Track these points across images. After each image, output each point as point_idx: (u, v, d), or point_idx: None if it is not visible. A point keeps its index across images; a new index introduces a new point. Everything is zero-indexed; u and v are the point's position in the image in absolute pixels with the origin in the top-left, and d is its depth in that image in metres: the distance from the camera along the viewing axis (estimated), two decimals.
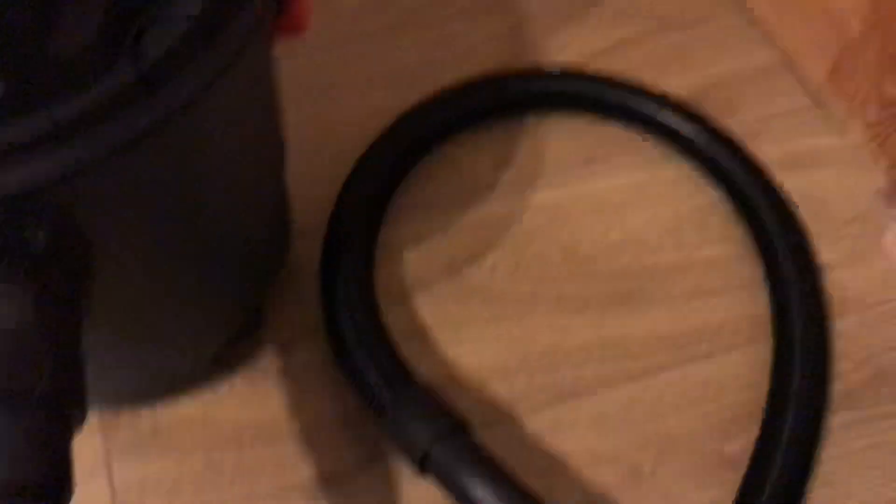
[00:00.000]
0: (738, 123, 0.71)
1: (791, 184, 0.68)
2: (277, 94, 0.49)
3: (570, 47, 0.75)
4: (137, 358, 0.51)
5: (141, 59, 0.33)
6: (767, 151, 0.69)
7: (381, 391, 0.52)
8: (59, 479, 0.31)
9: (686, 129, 0.68)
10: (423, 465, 0.50)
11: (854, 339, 0.61)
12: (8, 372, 0.32)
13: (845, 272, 0.64)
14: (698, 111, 0.70)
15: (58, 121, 0.32)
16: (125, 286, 0.41)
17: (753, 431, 0.56)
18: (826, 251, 0.65)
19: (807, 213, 0.67)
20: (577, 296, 0.63)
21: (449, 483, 0.48)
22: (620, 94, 0.69)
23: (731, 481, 0.54)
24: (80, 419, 0.33)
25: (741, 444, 0.56)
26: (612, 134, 0.70)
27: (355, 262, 0.58)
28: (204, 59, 0.35)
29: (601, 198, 0.67)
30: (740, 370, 0.59)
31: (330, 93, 0.72)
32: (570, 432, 0.57)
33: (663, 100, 0.69)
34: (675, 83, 0.73)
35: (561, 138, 0.70)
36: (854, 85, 0.69)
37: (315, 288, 0.59)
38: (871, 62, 0.66)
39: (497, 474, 0.48)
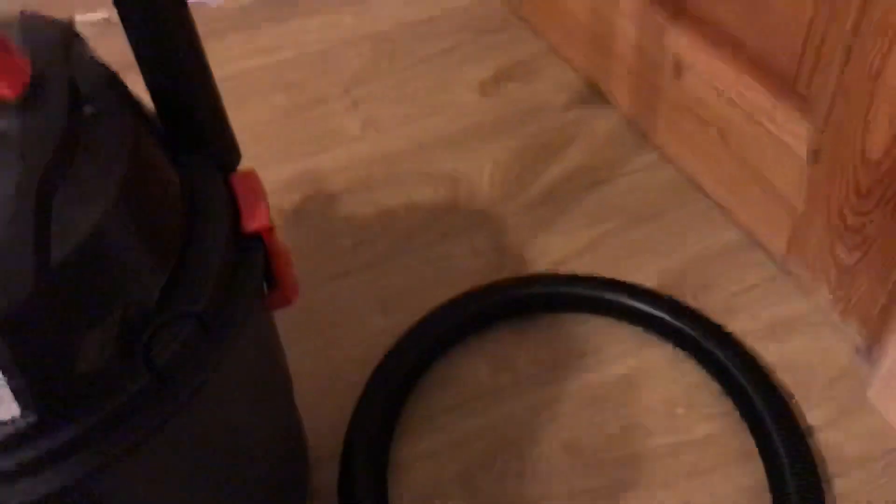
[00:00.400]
0: (714, 301, 0.76)
1: (771, 352, 0.73)
2: (278, 349, 0.56)
3: (549, 252, 0.82)
4: None
5: (153, 363, 0.39)
6: (744, 324, 0.74)
7: None
8: None
9: (666, 315, 0.73)
10: None
11: (851, 497, 0.63)
12: None
13: (835, 432, 0.68)
14: (673, 296, 0.75)
15: (83, 431, 0.38)
16: None
17: None
18: (814, 413, 0.69)
19: (790, 380, 0.71)
20: (584, 490, 0.66)
21: None
22: (599, 290, 0.75)
23: None
24: None
25: None
26: (598, 327, 0.76)
27: (369, 488, 0.62)
28: (209, 351, 0.41)
29: (595, 391, 0.72)
30: None
31: (333, 324, 0.78)
32: None
33: (639, 290, 0.75)
34: (651, 270, 0.79)
35: (551, 337, 0.76)
36: (811, 254, 0.75)
37: None
38: (820, 233, 0.72)
39: None
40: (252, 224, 0.46)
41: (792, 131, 0.72)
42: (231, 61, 1.05)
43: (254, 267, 0.45)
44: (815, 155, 0.70)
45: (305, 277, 0.82)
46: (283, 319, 0.73)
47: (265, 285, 0.49)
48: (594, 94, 0.97)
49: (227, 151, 0.49)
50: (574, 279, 0.77)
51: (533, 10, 1.04)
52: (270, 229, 0.47)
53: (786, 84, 0.71)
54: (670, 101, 0.86)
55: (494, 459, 0.68)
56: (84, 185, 0.38)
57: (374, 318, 0.78)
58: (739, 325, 0.74)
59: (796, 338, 0.74)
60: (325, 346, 0.76)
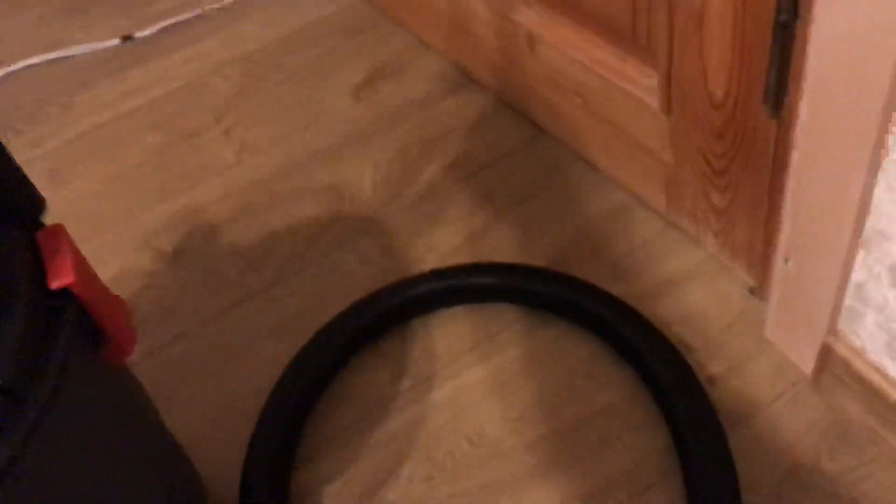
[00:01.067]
0: (604, 266, 0.75)
1: (667, 308, 0.72)
2: (137, 396, 0.54)
3: (437, 246, 0.81)
4: None
5: None
6: (637, 284, 0.74)
7: None
8: None
9: (548, 290, 0.72)
10: None
11: (758, 439, 0.63)
12: None
13: (737, 378, 0.67)
14: (559, 270, 0.74)
15: None
16: None
17: None
18: (716, 362, 0.68)
19: (688, 331, 0.70)
20: (493, 481, 0.65)
21: None
22: (484, 277, 0.74)
23: None
24: None
25: None
26: (490, 314, 0.74)
27: None
28: (18, 423, 0.39)
29: (493, 378, 0.71)
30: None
31: (226, 358, 0.76)
32: None
33: (524, 270, 0.74)
34: (540, 246, 0.78)
35: (445, 332, 0.74)
36: (689, 204, 0.74)
37: None
38: (692, 182, 0.72)
39: None
40: (57, 281, 0.44)
41: (643, 85, 0.71)
42: (101, 109, 1.03)
43: (65, 326, 0.43)
44: (667, 105, 0.69)
45: (192, 315, 0.80)
46: (171, 363, 0.71)
47: (94, 340, 0.47)
48: (464, 80, 0.96)
49: (28, 206, 0.47)
50: (454, 272, 0.76)
51: (395, 5, 1.03)
52: (84, 282, 0.45)
53: (626, 40, 0.71)
54: (532, 75, 0.85)
55: (401, 467, 0.67)
56: None
57: (267, 345, 0.76)
58: (631, 286, 0.74)
59: (690, 289, 0.74)
60: (220, 382, 0.74)
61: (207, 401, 0.72)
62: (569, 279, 0.73)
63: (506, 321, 0.74)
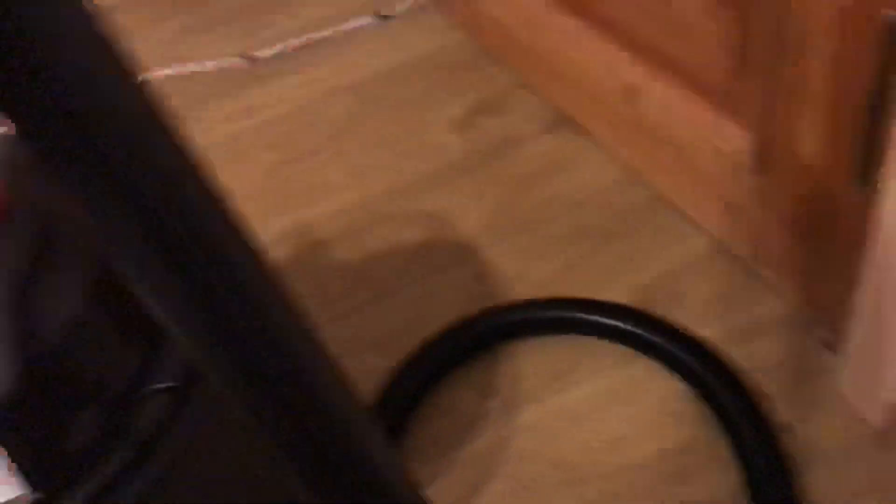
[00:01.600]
0: (686, 310, 0.80)
1: (744, 355, 0.76)
2: None
3: (527, 277, 0.87)
4: None
5: (135, 435, 0.44)
6: (717, 329, 0.78)
7: None
8: None
9: (638, 329, 0.77)
10: None
11: (825, 489, 0.67)
12: None
13: (809, 428, 0.71)
14: (645, 310, 0.79)
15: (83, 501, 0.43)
16: None
17: None
18: (789, 410, 0.72)
19: (765, 378, 0.74)
20: None
21: None
22: (572, 311, 0.80)
23: None
24: None
25: None
26: (576, 345, 0.80)
27: None
28: (186, 419, 0.46)
29: (576, 408, 0.76)
30: None
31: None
32: None
33: (611, 307, 0.79)
34: (623, 286, 0.83)
35: (533, 359, 0.80)
36: (775, 256, 0.78)
37: None
38: (780, 236, 0.76)
39: None
40: None
41: (735, 145, 0.75)
42: (220, 125, 1.11)
43: None
44: (758, 166, 0.73)
45: None
46: None
47: None
48: (562, 121, 1.01)
49: None
50: (545, 303, 0.81)
51: (500, 46, 1.09)
52: None
53: (723, 101, 0.75)
54: (629, 122, 0.90)
55: (489, 482, 0.72)
56: (58, 291, 0.43)
57: (367, 357, 0.82)
58: (712, 332, 0.78)
59: (768, 338, 0.78)
60: None
61: None
62: (654, 320, 0.78)
63: (593, 354, 0.79)
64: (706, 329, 0.78)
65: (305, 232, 0.96)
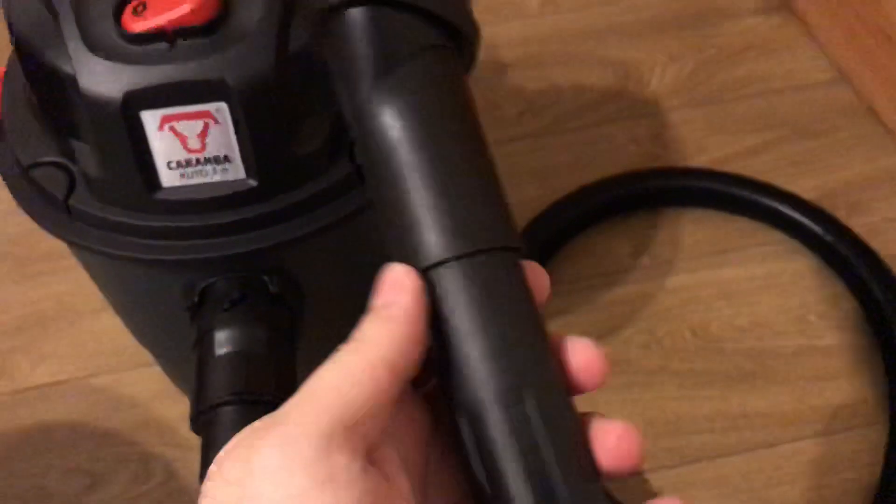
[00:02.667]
0: (865, 223, 0.76)
1: None
2: None
3: (707, 151, 0.84)
4: None
5: (355, 158, 0.45)
6: (893, 250, 0.74)
7: None
8: None
9: (814, 226, 0.74)
10: None
11: None
12: (247, 381, 0.43)
13: None
14: (826, 210, 0.76)
15: (293, 203, 0.44)
16: (325, 326, 0.52)
17: None
18: None
19: None
20: (704, 371, 0.69)
21: None
22: (753, 193, 0.77)
23: None
24: None
25: None
26: (745, 228, 0.77)
27: None
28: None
29: (731, 285, 0.74)
30: (855, 450, 0.64)
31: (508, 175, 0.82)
32: (689, 492, 0.63)
33: (794, 199, 0.76)
34: (806, 185, 0.80)
35: (695, 230, 0.78)
36: None
37: None
38: None
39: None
40: None
41: None
42: None
43: None
44: None
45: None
46: None
47: None
48: (784, 5, 0.95)
49: None
50: (729, 178, 0.78)
51: None
52: None
53: None
54: (861, 17, 0.84)
55: (622, 328, 0.72)
56: None
57: (527, 187, 0.82)
58: (888, 249, 0.74)
59: None
60: None
61: None
62: (833, 220, 0.75)
63: (759, 240, 0.76)
64: (884, 246, 0.75)
65: (490, 50, 0.94)
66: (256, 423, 0.27)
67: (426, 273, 0.29)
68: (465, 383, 0.28)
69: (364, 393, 0.26)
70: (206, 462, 0.41)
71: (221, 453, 0.26)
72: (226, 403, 0.42)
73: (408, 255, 0.29)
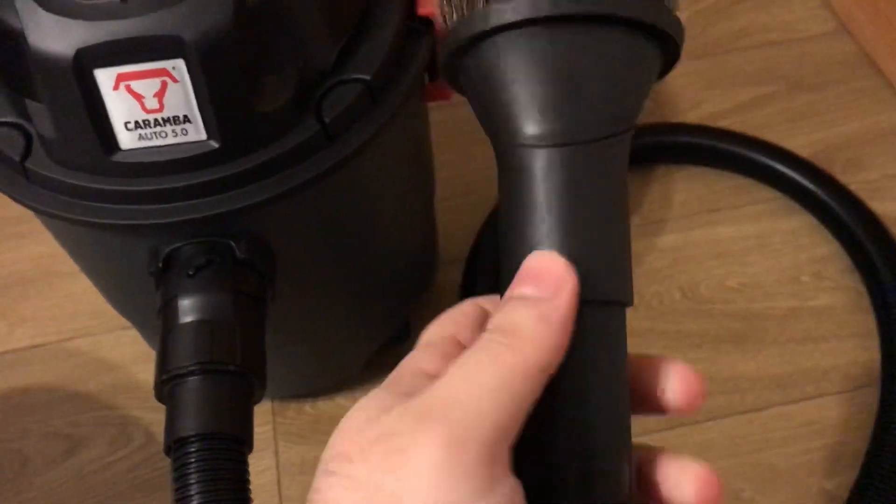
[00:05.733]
0: (862, 181, 0.74)
1: None
2: (429, 143, 0.59)
3: (702, 106, 0.81)
4: (304, 359, 0.61)
5: (323, 117, 0.43)
6: (890, 209, 0.72)
7: None
8: (244, 432, 0.40)
9: (808, 183, 0.72)
10: None
11: None
12: (211, 351, 0.41)
13: None
14: (821, 167, 0.74)
15: (257, 164, 0.42)
16: (297, 294, 0.51)
17: (854, 472, 0.59)
18: None
19: None
20: (692, 333, 0.68)
21: None
22: (745, 148, 0.75)
23: None
24: (261, 389, 0.43)
25: (841, 483, 0.60)
26: (738, 186, 0.75)
27: (490, 289, 0.66)
28: (371, 117, 0.44)
29: (723, 245, 0.72)
30: (846, 413, 0.63)
31: (481, 141, 0.80)
32: None
33: (787, 154, 0.74)
34: (802, 140, 0.77)
35: (687, 187, 0.76)
36: None
37: None
38: None
39: None
40: (425, 8, 0.48)
41: None
42: None
43: (422, 48, 0.47)
44: None
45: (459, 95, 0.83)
46: (432, 127, 0.75)
47: (428, 75, 0.51)
48: None
49: None
50: (721, 134, 0.76)
51: None
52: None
53: None
54: None
55: None
56: None
57: None
58: (885, 207, 0.72)
59: None
60: (465, 160, 0.78)
61: (448, 175, 0.77)
62: (828, 178, 0.73)
63: (752, 198, 0.74)
64: (879, 203, 0.73)
65: None
66: (409, 413, 0.25)
67: None
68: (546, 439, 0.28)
69: (520, 402, 0.25)
70: (170, 432, 0.40)
71: (354, 435, 0.25)
72: (190, 373, 0.41)
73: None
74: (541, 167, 0.29)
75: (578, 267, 0.28)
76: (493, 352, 0.26)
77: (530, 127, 0.29)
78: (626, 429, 0.29)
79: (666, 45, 0.31)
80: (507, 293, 0.28)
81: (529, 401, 0.26)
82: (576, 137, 0.29)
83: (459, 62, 0.32)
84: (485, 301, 0.32)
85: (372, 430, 0.25)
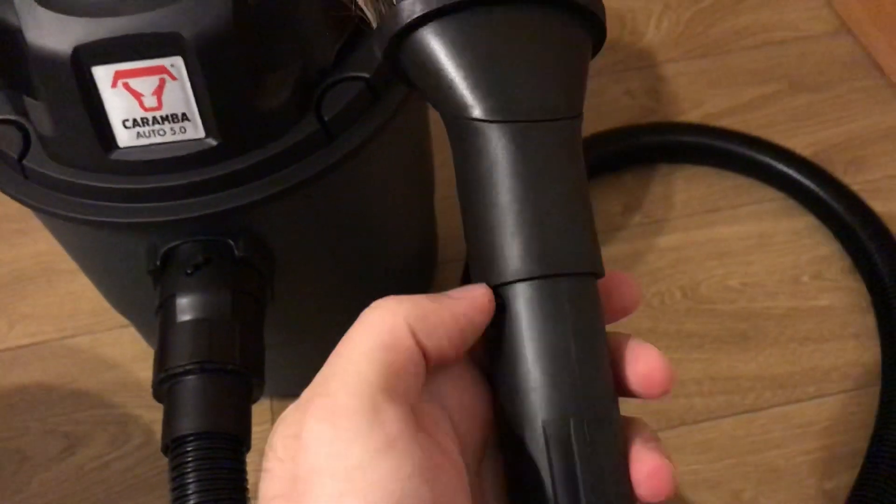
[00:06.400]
0: (863, 181, 0.74)
1: None
2: (429, 141, 0.58)
3: (703, 105, 0.81)
4: (303, 357, 0.61)
5: (322, 115, 0.43)
6: (892, 209, 0.72)
7: None
8: (242, 431, 0.40)
9: (809, 183, 0.72)
10: None
11: None
12: (210, 350, 0.41)
13: None
14: (823, 167, 0.74)
15: (256, 162, 0.42)
16: (296, 292, 0.51)
17: (854, 472, 0.59)
18: None
19: None
20: (693, 333, 0.68)
21: None
22: (747, 148, 0.74)
23: None
24: (259, 388, 0.43)
25: (841, 483, 0.60)
26: (739, 185, 0.75)
27: None
28: (371, 115, 0.44)
29: (724, 244, 0.72)
30: (845, 413, 0.63)
31: None
32: (675, 456, 0.61)
33: (788, 154, 0.74)
34: (804, 140, 0.77)
35: (689, 187, 0.76)
36: None
37: None
38: None
39: None
40: None
41: None
42: None
43: None
44: None
45: None
46: (432, 126, 0.75)
47: None
48: None
49: None
50: (722, 133, 0.76)
51: None
52: None
53: None
54: None
55: None
56: None
57: None
58: (886, 208, 0.72)
59: None
60: None
61: (448, 174, 0.77)
62: (827, 177, 0.72)
63: (753, 198, 0.74)
64: (881, 203, 0.72)
65: None
66: (301, 398, 0.26)
67: (499, 288, 0.28)
68: (515, 400, 0.28)
69: (398, 355, 0.26)
70: (168, 431, 0.40)
71: (274, 431, 0.26)
72: (188, 372, 0.41)
73: (485, 266, 0.29)
74: (483, 141, 0.29)
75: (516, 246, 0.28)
76: (364, 319, 0.27)
77: (471, 106, 0.29)
78: (610, 392, 0.29)
79: (593, 25, 0.31)
80: None
81: (409, 355, 0.26)
82: (510, 116, 0.29)
83: (393, 59, 0.32)
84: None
85: (280, 426, 0.26)
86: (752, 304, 0.69)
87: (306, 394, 0.26)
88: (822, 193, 0.71)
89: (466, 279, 0.68)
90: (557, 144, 0.30)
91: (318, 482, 0.24)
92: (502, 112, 0.29)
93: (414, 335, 0.27)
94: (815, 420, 0.63)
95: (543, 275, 0.28)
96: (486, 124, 0.29)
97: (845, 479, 0.59)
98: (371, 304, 0.28)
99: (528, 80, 0.30)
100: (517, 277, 0.28)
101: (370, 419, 0.25)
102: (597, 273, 0.30)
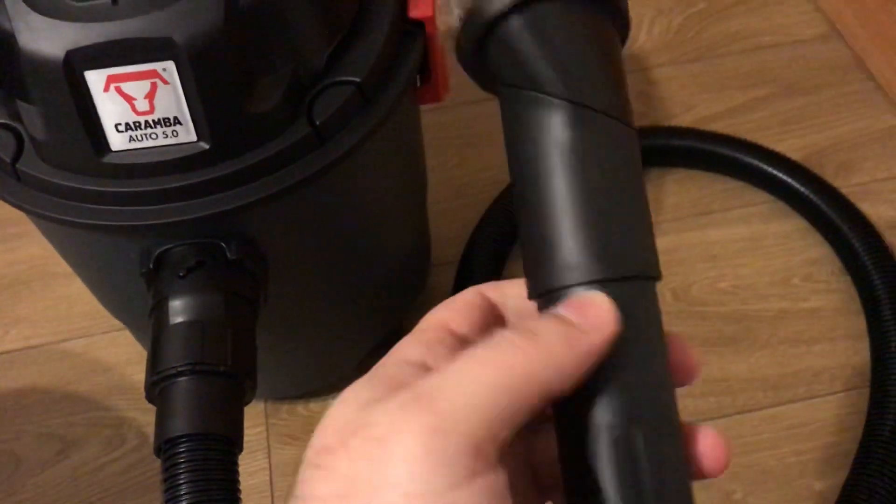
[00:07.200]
0: (853, 184, 0.75)
1: None
2: (421, 145, 0.59)
3: (695, 109, 0.82)
4: (297, 360, 0.61)
5: (314, 118, 0.43)
6: (882, 210, 0.73)
7: None
8: (235, 432, 0.40)
9: (800, 186, 0.72)
10: None
11: None
12: (202, 351, 0.42)
13: None
14: (813, 171, 0.74)
15: (248, 165, 0.42)
16: (289, 295, 0.51)
17: (845, 473, 0.60)
18: None
19: None
20: (688, 335, 0.68)
21: None
22: (737, 152, 0.75)
23: None
24: (252, 390, 0.43)
25: (832, 484, 0.60)
26: (730, 189, 0.76)
27: None
28: (362, 119, 0.45)
29: (715, 247, 0.73)
30: (836, 414, 0.63)
31: (473, 143, 0.81)
32: None
33: (778, 158, 0.74)
34: (794, 144, 0.78)
35: (680, 190, 0.76)
36: None
37: None
38: None
39: None
40: (417, 11, 0.48)
41: None
42: None
43: (413, 51, 0.48)
44: None
45: (451, 98, 0.84)
46: (425, 130, 0.76)
47: (419, 78, 0.52)
48: None
49: None
50: (713, 137, 0.76)
51: None
52: (433, 19, 0.49)
53: None
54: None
55: None
56: None
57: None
58: (876, 211, 0.73)
59: None
60: (457, 163, 0.79)
61: (442, 177, 0.77)
62: (820, 181, 0.73)
63: (744, 201, 0.75)
64: (870, 206, 0.73)
65: None
66: (392, 402, 0.24)
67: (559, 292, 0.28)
68: (585, 407, 0.27)
69: (516, 405, 0.25)
70: (160, 432, 0.40)
71: (337, 427, 0.25)
72: (180, 374, 0.41)
73: (544, 268, 0.28)
74: (557, 121, 0.29)
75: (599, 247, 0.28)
76: (501, 350, 0.26)
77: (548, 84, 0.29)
78: (673, 400, 0.29)
79: (622, 24, 0.32)
80: (552, 310, 0.28)
81: (525, 410, 0.25)
82: (582, 101, 0.29)
83: (481, 44, 0.31)
84: (487, 288, 0.32)
85: (354, 421, 0.25)
86: (743, 306, 0.69)
87: (402, 399, 0.24)
88: (812, 196, 0.72)
89: (460, 282, 0.69)
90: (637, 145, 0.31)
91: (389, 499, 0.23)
92: (615, 109, 0.30)
93: (548, 393, 0.25)
94: (806, 421, 0.63)
95: (606, 278, 0.28)
96: (600, 115, 0.29)
97: (836, 479, 0.60)
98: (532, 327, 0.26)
99: (604, 77, 0.30)
100: (580, 282, 0.28)
101: (464, 453, 0.23)
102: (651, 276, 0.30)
